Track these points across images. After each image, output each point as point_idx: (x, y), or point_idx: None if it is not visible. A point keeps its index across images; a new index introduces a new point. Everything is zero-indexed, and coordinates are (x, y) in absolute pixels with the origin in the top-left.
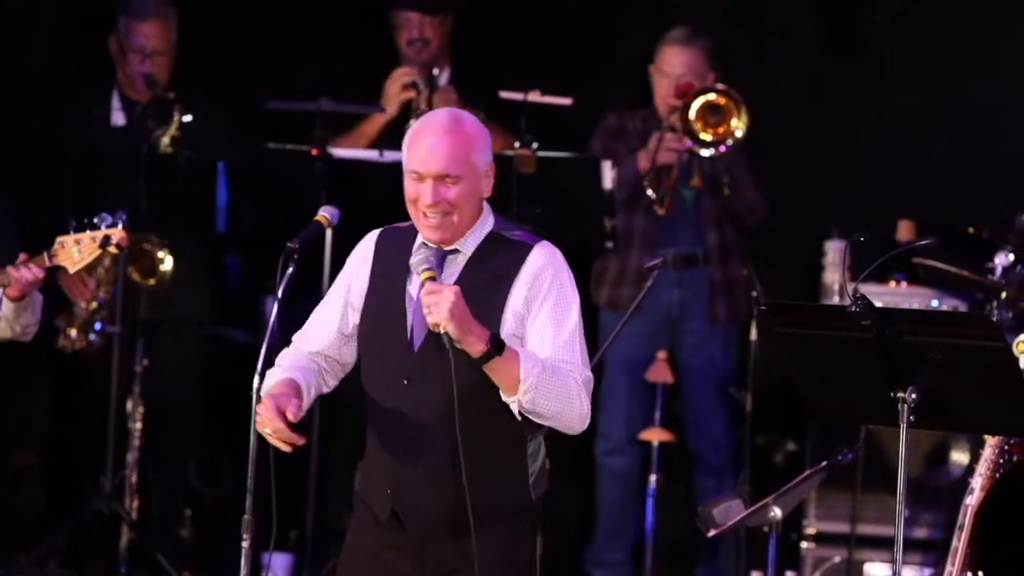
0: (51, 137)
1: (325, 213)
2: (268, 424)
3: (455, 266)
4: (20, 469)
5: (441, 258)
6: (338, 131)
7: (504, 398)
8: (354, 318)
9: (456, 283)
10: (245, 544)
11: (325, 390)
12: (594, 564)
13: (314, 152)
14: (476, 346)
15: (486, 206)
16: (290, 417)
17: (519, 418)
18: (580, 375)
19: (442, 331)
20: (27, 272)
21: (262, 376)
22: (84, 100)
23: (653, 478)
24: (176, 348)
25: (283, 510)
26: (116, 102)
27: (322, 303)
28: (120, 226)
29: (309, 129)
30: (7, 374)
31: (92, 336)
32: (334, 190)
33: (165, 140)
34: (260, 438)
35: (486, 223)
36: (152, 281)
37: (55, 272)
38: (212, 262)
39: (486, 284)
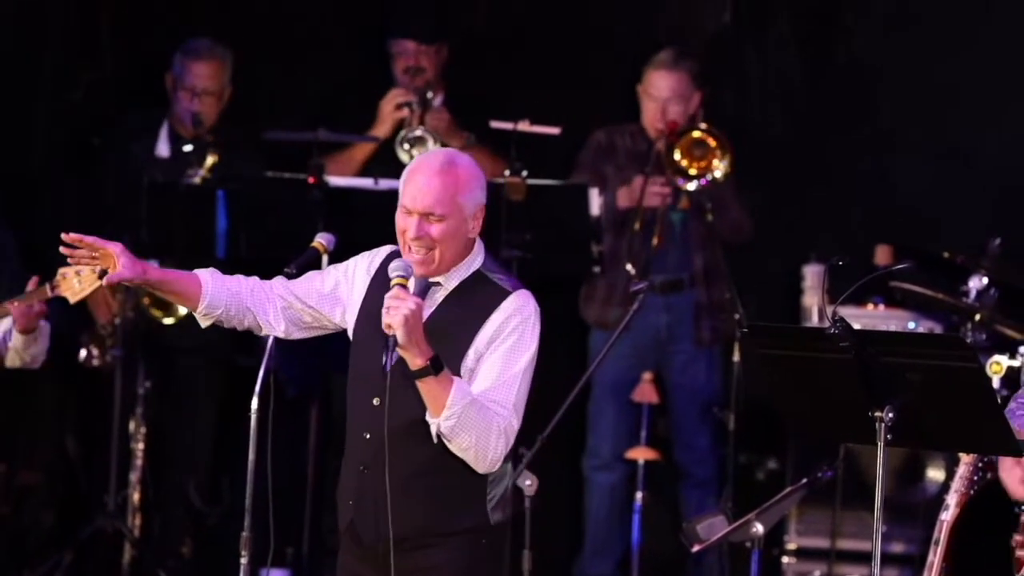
0: (98, 162)
1: (321, 239)
2: (99, 247)
3: (434, 298)
4: (26, 488)
5: (426, 287)
6: (329, 151)
7: (428, 418)
8: (335, 306)
9: (433, 314)
10: (243, 560)
11: (235, 324)
12: None
13: (311, 180)
14: (416, 359)
15: (479, 245)
16: (108, 274)
17: (435, 440)
18: (505, 420)
19: (391, 334)
20: (27, 308)
21: (260, 398)
22: (133, 128)
23: (639, 495)
24: (189, 372)
25: (280, 527)
26: (164, 134)
27: (325, 276)
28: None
29: (306, 157)
30: (14, 397)
31: (109, 356)
32: (330, 217)
33: (196, 178)
34: (258, 458)
35: (474, 262)
36: (171, 320)
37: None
38: None
39: (458, 319)
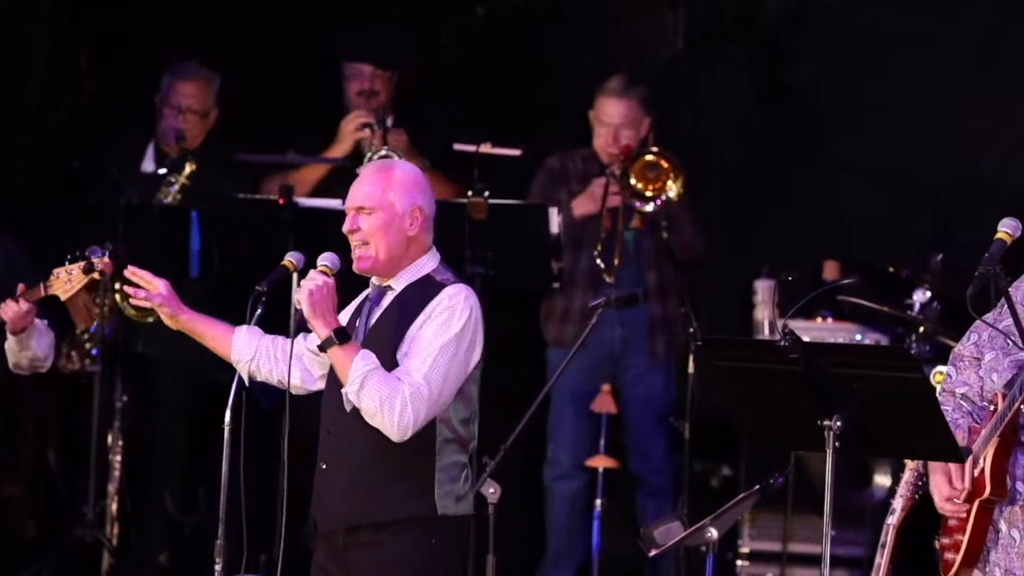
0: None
1: (291, 258)
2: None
3: (386, 300)
4: (8, 500)
5: (380, 294)
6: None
7: (342, 389)
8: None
9: (381, 314)
10: (218, 567)
11: (266, 374)
12: None
13: (281, 201)
14: (321, 330)
15: (433, 253)
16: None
17: (347, 408)
18: (412, 388)
19: (296, 307)
20: (12, 307)
21: (234, 411)
22: (118, 151)
23: (599, 502)
24: (165, 386)
25: (253, 535)
26: (150, 152)
27: None
28: (107, 256)
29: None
30: None
31: (87, 359)
32: (300, 236)
33: (169, 199)
34: (232, 469)
35: (424, 267)
36: (150, 319)
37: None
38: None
39: (401, 315)
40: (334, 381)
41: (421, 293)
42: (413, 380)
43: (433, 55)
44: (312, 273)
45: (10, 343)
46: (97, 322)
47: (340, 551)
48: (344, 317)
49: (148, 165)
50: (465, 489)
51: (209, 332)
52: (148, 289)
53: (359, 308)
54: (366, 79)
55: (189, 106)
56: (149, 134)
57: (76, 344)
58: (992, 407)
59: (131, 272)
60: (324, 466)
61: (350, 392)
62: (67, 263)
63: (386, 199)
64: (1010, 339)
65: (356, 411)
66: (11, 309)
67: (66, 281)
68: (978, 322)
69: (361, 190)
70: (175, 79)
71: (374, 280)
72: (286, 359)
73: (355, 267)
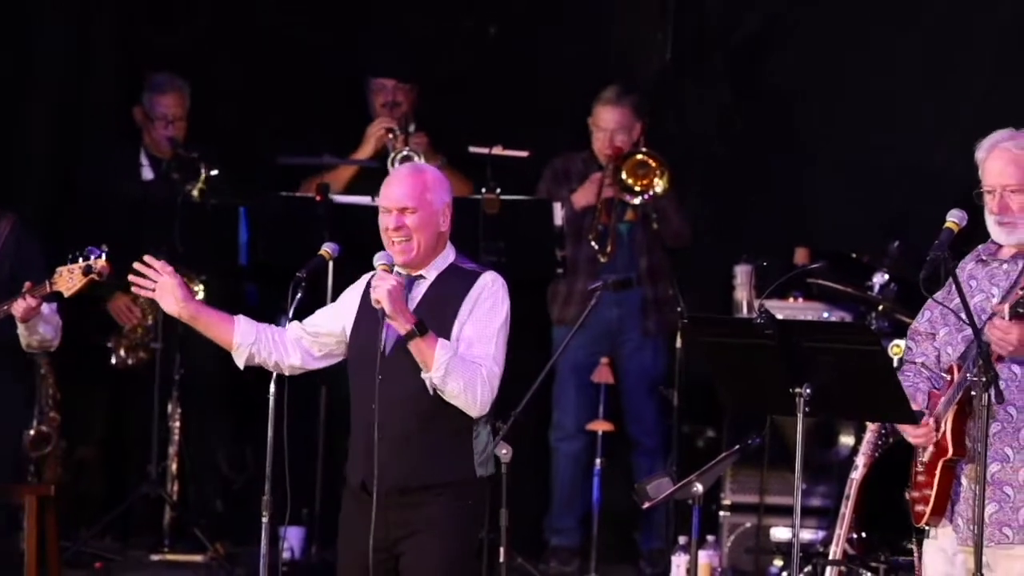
0: (97, 189)
1: (327, 248)
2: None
3: (420, 288)
4: (83, 461)
5: (410, 283)
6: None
7: (423, 375)
8: (336, 329)
9: (421, 300)
10: (265, 520)
11: (265, 357)
12: (551, 531)
13: (317, 199)
14: (404, 325)
15: (449, 245)
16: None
17: (431, 392)
18: (487, 369)
19: (379, 306)
20: (21, 304)
21: (277, 383)
22: (120, 159)
23: (598, 461)
24: (211, 360)
25: (296, 491)
26: (144, 160)
27: (326, 308)
28: (103, 257)
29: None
30: (70, 386)
31: (142, 354)
32: (334, 229)
33: (195, 192)
34: (276, 432)
35: (448, 257)
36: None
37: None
38: (235, 290)
39: (443, 302)
40: (371, 367)
41: (455, 281)
42: (486, 363)
43: (450, 69)
44: (381, 273)
45: (20, 329)
46: (150, 321)
47: (380, 508)
48: (350, 297)
49: (147, 173)
50: (490, 453)
51: (212, 320)
52: (150, 280)
53: (364, 302)
54: (389, 92)
55: (174, 115)
56: (137, 146)
57: (125, 342)
58: (949, 376)
59: (139, 265)
60: (373, 434)
61: (435, 377)
62: (68, 262)
63: (425, 199)
64: (959, 316)
65: (405, 388)
66: (20, 306)
67: (68, 279)
68: (930, 301)
69: (402, 191)
70: (155, 95)
71: (401, 270)
72: (282, 343)
73: (397, 260)
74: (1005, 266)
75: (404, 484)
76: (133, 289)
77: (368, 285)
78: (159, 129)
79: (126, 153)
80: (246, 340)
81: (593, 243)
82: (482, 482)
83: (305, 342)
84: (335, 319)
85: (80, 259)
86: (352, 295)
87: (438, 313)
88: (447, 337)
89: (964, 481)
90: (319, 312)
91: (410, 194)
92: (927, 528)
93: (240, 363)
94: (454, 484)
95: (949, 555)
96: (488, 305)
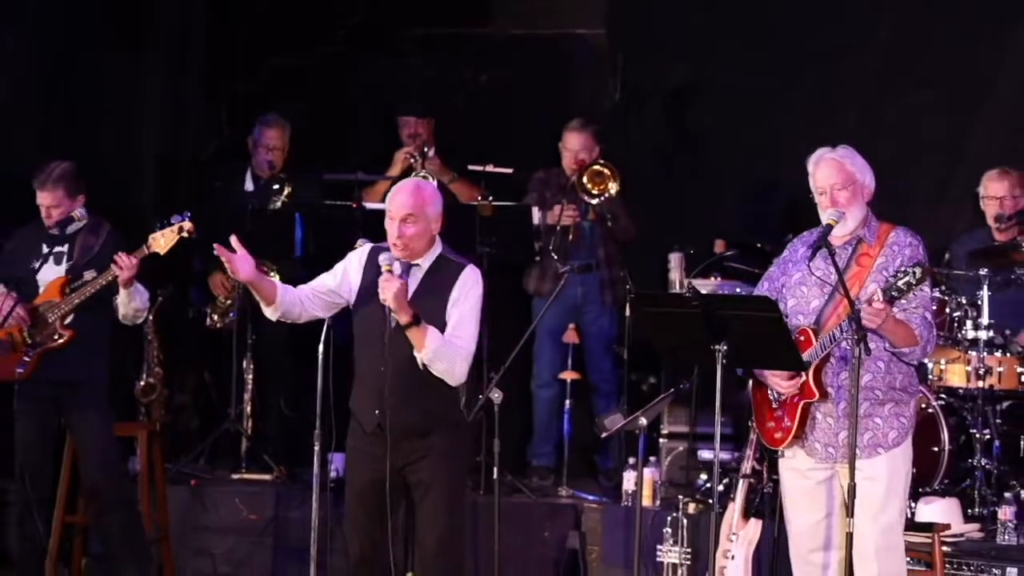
0: (210, 199)
1: (360, 243)
2: (241, 251)
3: (416, 275)
4: (180, 405)
5: (408, 267)
6: (362, 188)
7: (415, 353)
8: (343, 290)
9: (417, 287)
10: (316, 448)
11: (301, 316)
12: (532, 455)
13: (354, 206)
14: (404, 318)
15: (438, 239)
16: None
17: (420, 367)
18: (465, 349)
19: (385, 303)
20: (124, 259)
21: (326, 344)
22: (227, 176)
23: (568, 402)
24: (275, 327)
25: (340, 427)
26: (248, 177)
27: (327, 272)
28: (187, 220)
29: (350, 190)
30: (170, 347)
31: (228, 319)
32: (366, 229)
33: (278, 204)
34: (324, 380)
35: (437, 249)
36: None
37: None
38: (291, 275)
39: (436, 288)
40: (377, 335)
41: (445, 270)
42: (464, 344)
43: (455, 107)
44: (385, 276)
45: (121, 296)
46: (234, 291)
47: (392, 442)
48: (352, 266)
49: (249, 185)
50: (471, 399)
51: (264, 285)
52: (228, 255)
53: (368, 271)
54: (412, 125)
55: (275, 145)
56: (246, 165)
57: (218, 309)
58: (803, 338)
59: (219, 248)
60: (383, 390)
61: (425, 357)
62: (157, 228)
63: (424, 211)
64: (837, 289)
65: (406, 354)
66: (124, 260)
67: (161, 240)
68: (764, 277)
69: (408, 201)
70: (263, 127)
71: (399, 256)
72: (310, 302)
73: (398, 253)
74: (839, 251)
75: (411, 422)
76: (216, 251)
77: (371, 254)
78: (261, 155)
79: (237, 168)
80: (280, 307)
81: (553, 254)
82: (466, 422)
83: (319, 298)
84: (341, 282)
85: (168, 224)
86: (354, 265)
87: (433, 299)
88: (442, 318)
89: (819, 416)
90: (324, 275)
91: (414, 204)
92: (780, 451)
93: (273, 317)
94: (448, 423)
95: (803, 470)
96: (465, 297)
